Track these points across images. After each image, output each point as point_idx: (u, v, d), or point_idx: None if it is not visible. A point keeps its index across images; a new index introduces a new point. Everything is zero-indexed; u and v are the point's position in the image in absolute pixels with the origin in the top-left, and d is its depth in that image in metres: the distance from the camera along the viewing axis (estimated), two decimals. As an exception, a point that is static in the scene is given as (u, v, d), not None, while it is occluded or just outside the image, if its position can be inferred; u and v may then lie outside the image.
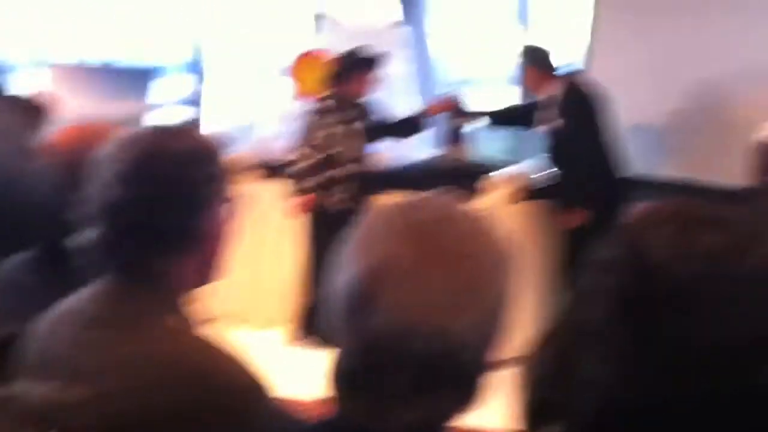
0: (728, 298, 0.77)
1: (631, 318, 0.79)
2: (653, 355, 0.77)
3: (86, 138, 1.88)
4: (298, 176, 5.09)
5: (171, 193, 1.47)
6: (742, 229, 0.82)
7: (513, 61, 6.15)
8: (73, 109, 5.53)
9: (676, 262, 0.78)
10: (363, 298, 1.03)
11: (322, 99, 5.11)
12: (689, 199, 0.87)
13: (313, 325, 5.16)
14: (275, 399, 1.43)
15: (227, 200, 1.57)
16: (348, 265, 1.07)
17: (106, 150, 1.49)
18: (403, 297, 1.02)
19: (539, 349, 0.87)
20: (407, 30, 6.26)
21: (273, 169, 5.66)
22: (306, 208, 5.07)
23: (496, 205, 4.99)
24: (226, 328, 5.39)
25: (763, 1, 4.89)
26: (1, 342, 1.69)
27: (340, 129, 5.02)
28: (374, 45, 5.15)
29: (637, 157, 4.96)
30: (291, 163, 5.17)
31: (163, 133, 1.52)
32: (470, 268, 1.05)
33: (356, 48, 5.10)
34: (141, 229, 1.45)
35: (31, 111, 2.53)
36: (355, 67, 5.03)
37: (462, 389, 1.06)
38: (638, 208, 0.89)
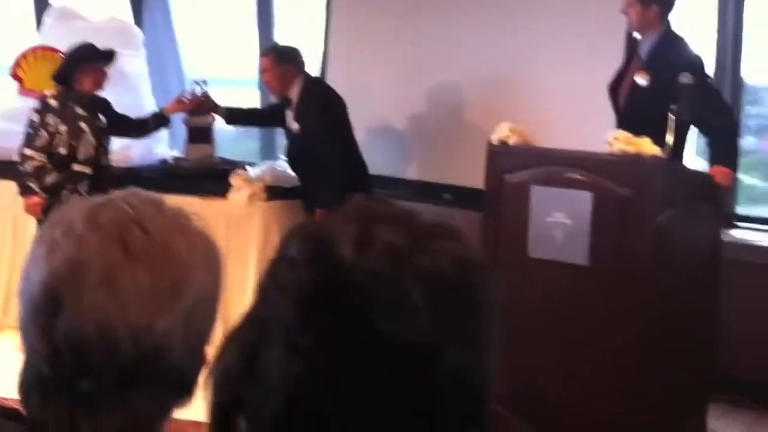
0: (404, 294, 0.77)
1: (316, 315, 0.78)
2: (336, 352, 0.76)
3: None
4: (25, 178, 4.81)
5: None
6: (421, 226, 0.82)
7: (254, 62, 6.17)
8: None
9: (357, 256, 0.78)
10: (49, 301, 0.98)
11: (45, 97, 4.86)
12: (375, 196, 0.87)
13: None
14: None
15: None
16: (32, 269, 1.00)
17: None
18: (94, 297, 0.97)
19: (224, 345, 0.84)
20: (138, 30, 6.09)
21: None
22: (36, 209, 4.79)
23: (241, 205, 4.95)
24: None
25: (489, 8, 5.14)
26: None
27: (63, 128, 4.79)
28: (105, 42, 4.96)
29: (376, 159, 5.07)
30: (19, 163, 4.88)
31: None
32: (170, 265, 1.01)
33: (82, 44, 4.89)
34: None
35: None
36: (81, 63, 4.81)
37: (172, 388, 1.02)
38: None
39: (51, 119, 4.79)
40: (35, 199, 4.77)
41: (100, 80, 4.86)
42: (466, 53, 5.16)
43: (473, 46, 5.14)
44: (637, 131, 3.61)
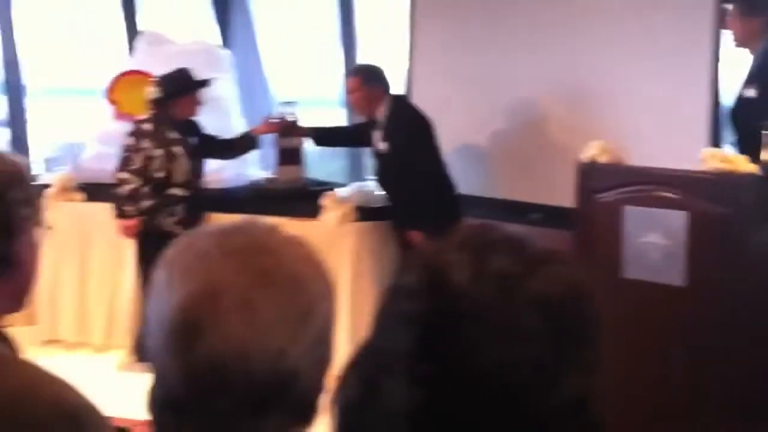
0: (516, 320, 0.78)
1: (434, 344, 0.79)
2: (455, 381, 0.77)
3: None
4: (120, 201, 4.94)
5: None
6: (532, 252, 0.83)
7: (338, 83, 6.23)
8: None
9: (472, 285, 0.79)
10: (186, 324, 1.00)
11: (140, 122, 4.98)
12: (486, 222, 0.88)
13: (145, 350, 5.00)
14: (106, 420, 1.36)
15: (39, 224, 1.51)
16: (165, 292, 1.02)
17: None
18: (231, 322, 0.99)
19: (343, 375, 0.86)
20: (227, 52, 6.21)
21: (95, 191, 5.48)
22: (131, 232, 4.92)
23: (332, 226, 4.99)
24: (57, 354, 5.19)
25: (574, 24, 5.10)
26: None
27: (158, 152, 4.91)
28: (194, 66, 5.08)
29: (461, 179, 5.07)
30: (114, 186, 5.02)
31: None
32: (300, 291, 1.04)
33: (179, 69, 5.01)
34: None
35: None
36: (178, 89, 4.94)
37: (298, 413, 1.04)
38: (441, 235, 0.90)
39: (146, 143, 4.91)
40: (130, 222, 4.90)
41: (195, 107, 5.00)
42: (551, 69, 5.12)
43: (558, 62, 5.10)
44: (749, 146, 3.55)
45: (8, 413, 1.29)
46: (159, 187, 4.92)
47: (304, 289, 1.03)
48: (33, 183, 1.52)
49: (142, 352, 5.07)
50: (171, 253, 1.07)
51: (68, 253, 5.41)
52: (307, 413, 1.06)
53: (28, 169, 1.52)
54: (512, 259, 0.81)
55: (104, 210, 5.31)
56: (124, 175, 4.93)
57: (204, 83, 5.03)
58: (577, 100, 5.02)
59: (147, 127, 4.94)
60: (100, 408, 1.37)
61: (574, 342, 0.81)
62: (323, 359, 1.06)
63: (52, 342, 5.42)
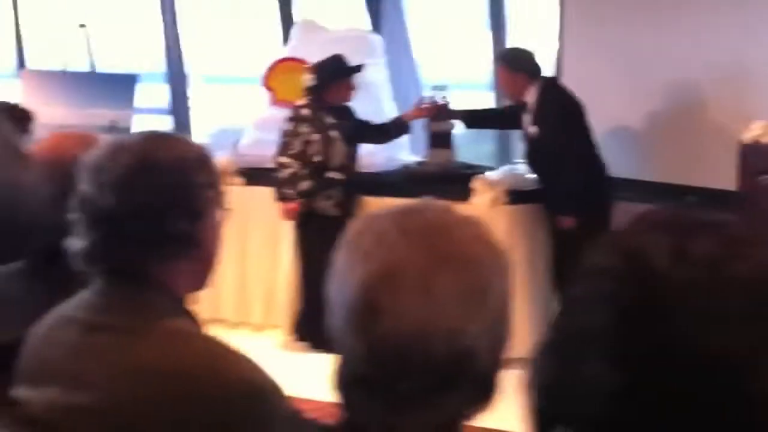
0: (724, 304, 0.77)
1: (636, 327, 0.79)
2: (656, 362, 0.78)
3: (73, 145, 1.88)
4: (281, 185, 5.09)
5: (168, 199, 1.48)
6: (736, 233, 0.82)
7: (488, 66, 6.21)
8: (52, 115, 5.52)
9: (674, 268, 0.79)
10: (367, 305, 1.03)
11: (298, 107, 5.12)
12: (679, 204, 0.88)
13: (304, 330, 5.17)
14: (287, 400, 1.43)
15: (221, 206, 1.58)
16: (346, 272, 1.07)
17: (96, 157, 1.49)
18: (411, 302, 1.02)
19: (538, 357, 0.87)
20: (378, 38, 6.28)
21: (253, 176, 5.66)
22: (292, 214, 5.08)
23: (483, 209, 5.00)
24: (218, 332, 5.41)
25: (732, 3, 4.92)
26: (3, 348, 1.69)
27: (316, 137, 5.03)
28: (347, 53, 5.18)
29: (613, 161, 4.98)
30: (273, 170, 5.18)
31: (157, 139, 1.53)
32: (476, 271, 1.06)
33: (334, 56, 5.12)
34: (136, 236, 1.46)
35: (18, 117, 2.53)
36: (333, 75, 5.05)
37: (477, 391, 1.07)
38: (631, 214, 0.89)
39: (304, 128, 5.05)
40: (291, 205, 5.05)
41: (349, 93, 5.12)
42: (706, 47, 4.96)
43: (714, 40, 4.94)
44: None
45: (194, 386, 1.38)
46: (317, 170, 5.05)
47: (481, 269, 1.06)
48: (215, 166, 1.59)
49: (300, 332, 5.23)
50: (350, 234, 1.10)
51: (228, 235, 5.61)
52: (487, 392, 1.08)
53: (211, 153, 1.60)
54: (714, 241, 0.80)
55: (262, 194, 5.49)
56: (284, 159, 5.08)
57: (357, 69, 5.12)
58: (738, 80, 4.85)
59: (305, 112, 5.08)
60: (282, 387, 1.44)
61: None
62: (501, 338, 1.08)
63: (213, 321, 5.66)
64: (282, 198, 5.11)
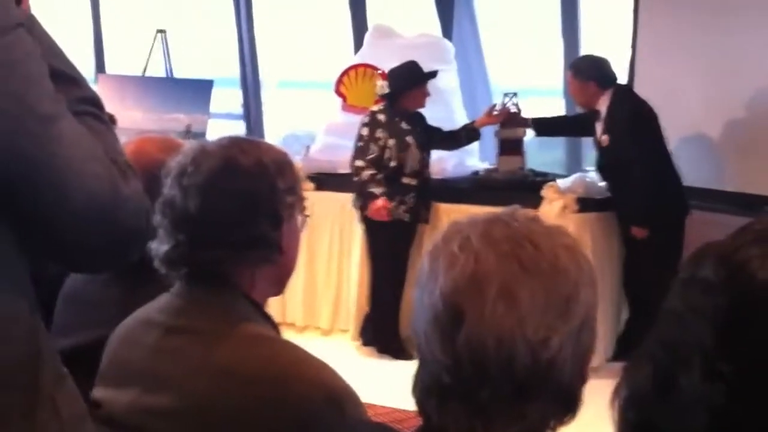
0: None
1: (736, 340, 0.78)
2: (758, 378, 0.77)
3: (156, 149, 1.92)
4: (363, 186, 5.08)
5: (250, 204, 1.50)
6: None
7: (559, 73, 6.16)
8: (130, 120, 5.63)
9: None
10: (451, 311, 1.03)
11: (374, 113, 5.13)
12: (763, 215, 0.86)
13: (371, 334, 5.19)
14: (363, 407, 1.44)
15: (301, 211, 1.60)
16: (431, 279, 1.07)
17: (180, 161, 1.52)
18: (495, 310, 1.02)
19: (633, 366, 0.86)
20: (449, 44, 6.28)
21: (323, 181, 5.71)
22: (384, 212, 5.03)
23: (552, 217, 4.96)
24: (286, 336, 5.46)
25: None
26: (81, 351, 1.72)
27: (392, 143, 5.05)
28: (420, 59, 5.19)
29: (688, 170, 4.90)
30: (343, 175, 5.21)
31: (240, 144, 1.55)
32: (562, 282, 1.05)
33: (408, 62, 5.14)
34: (219, 240, 1.48)
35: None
36: (408, 82, 5.06)
37: (560, 402, 1.06)
38: (705, 224, 0.88)
39: (380, 133, 5.07)
40: (380, 203, 5.03)
41: (423, 99, 5.14)
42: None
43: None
44: None
45: (277, 389, 1.40)
46: (392, 176, 5.05)
47: (566, 279, 1.05)
48: (296, 172, 1.60)
49: (367, 336, 5.25)
50: (437, 241, 1.10)
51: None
52: (570, 402, 1.07)
53: (291, 158, 1.62)
54: None
55: (332, 199, 5.53)
56: (361, 163, 5.08)
57: (432, 75, 5.15)
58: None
59: (381, 117, 5.09)
60: (358, 394, 1.45)
61: None
62: (585, 348, 1.07)
63: (281, 324, 5.70)
64: (368, 197, 5.05)
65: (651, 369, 0.84)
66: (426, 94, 5.14)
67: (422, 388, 1.08)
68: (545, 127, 5.39)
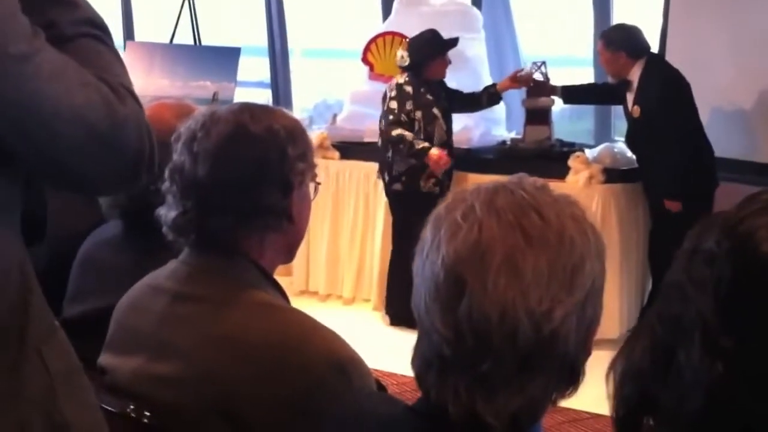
0: None
1: (738, 313, 0.75)
2: (760, 353, 0.74)
3: (171, 115, 1.90)
4: (406, 146, 4.99)
5: (259, 170, 1.49)
6: None
7: (589, 42, 6.07)
8: (157, 87, 5.63)
9: None
10: (453, 281, 1.01)
11: (401, 84, 5.06)
12: None
13: (397, 305, 5.18)
14: (371, 374, 1.43)
15: (313, 179, 1.58)
16: (433, 249, 1.04)
17: (190, 127, 1.50)
18: (497, 280, 0.99)
19: (631, 341, 0.83)
20: (478, 12, 6.20)
21: (348, 149, 5.69)
22: (444, 162, 4.96)
23: (578, 187, 4.92)
24: (309, 304, 5.49)
25: None
26: (92, 317, 1.73)
27: (419, 114, 5.00)
28: (447, 26, 5.13)
29: (719, 141, 4.82)
30: (368, 144, 5.18)
31: (250, 110, 1.53)
32: (567, 252, 1.02)
33: (428, 32, 5.08)
34: (228, 206, 1.47)
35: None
36: (428, 53, 5.01)
37: (563, 375, 1.04)
38: (737, 196, 0.84)
39: (409, 105, 5.01)
40: (436, 151, 4.91)
41: (444, 68, 5.07)
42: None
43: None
44: None
45: (283, 357, 1.39)
46: (420, 148, 4.98)
47: (571, 249, 1.02)
48: (308, 139, 1.58)
49: (389, 307, 5.24)
50: (439, 211, 1.07)
51: (323, 208, 5.68)
52: (573, 376, 1.04)
53: (304, 125, 1.60)
54: None
55: (357, 168, 5.51)
56: (400, 131, 4.96)
57: (452, 43, 5.07)
58: None
59: (408, 89, 5.02)
60: (366, 361, 1.44)
61: None
62: (590, 320, 1.04)
63: (304, 293, 5.72)
64: (423, 153, 4.93)
65: (649, 343, 0.82)
66: (447, 62, 5.06)
67: (421, 361, 1.06)
68: (574, 94, 5.32)
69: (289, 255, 1.60)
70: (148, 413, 1.43)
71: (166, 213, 1.51)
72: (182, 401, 1.42)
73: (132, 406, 1.44)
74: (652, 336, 0.81)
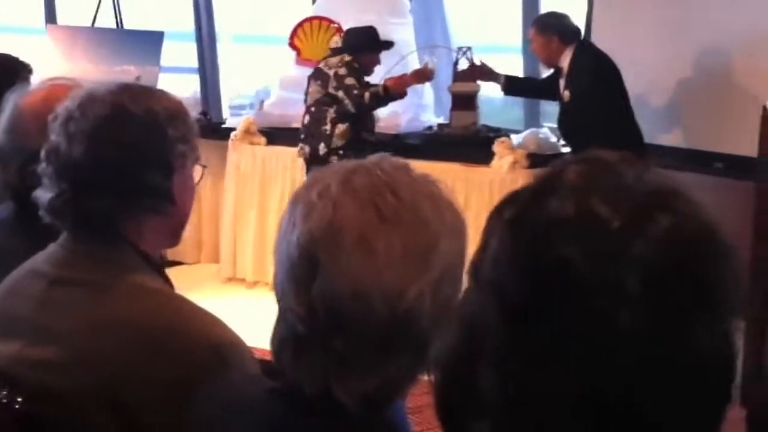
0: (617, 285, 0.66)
1: (523, 328, 0.66)
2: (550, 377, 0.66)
3: (64, 95, 1.86)
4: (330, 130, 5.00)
5: (137, 152, 1.46)
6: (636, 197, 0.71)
7: (518, 30, 6.09)
8: (79, 71, 5.53)
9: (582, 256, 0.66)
10: (307, 260, 1.01)
11: (347, 61, 4.99)
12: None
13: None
14: (250, 354, 1.41)
15: (196, 161, 1.56)
16: (289, 228, 1.04)
17: (67, 107, 1.47)
18: (350, 260, 1.00)
19: (445, 335, 0.74)
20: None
21: (275, 135, 5.66)
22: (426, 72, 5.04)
23: (503, 172, 4.95)
24: (237, 291, 5.45)
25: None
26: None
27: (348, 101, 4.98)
28: (374, 10, 5.11)
29: (644, 126, 4.88)
30: (296, 129, 5.15)
31: (130, 90, 1.50)
32: (421, 232, 1.02)
33: (368, 27, 5.07)
34: (105, 189, 1.44)
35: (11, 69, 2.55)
36: (366, 42, 5.01)
37: (418, 355, 1.03)
38: None
39: (340, 92, 4.97)
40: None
41: (374, 64, 5.07)
42: (738, 13, 4.83)
43: (747, 6, 4.81)
44: None
45: (163, 341, 1.37)
46: (351, 131, 4.97)
47: (426, 228, 1.02)
48: (190, 121, 1.56)
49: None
50: (297, 190, 1.08)
51: (249, 194, 5.64)
52: (428, 355, 1.05)
53: (185, 107, 1.57)
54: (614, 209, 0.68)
55: (284, 153, 5.48)
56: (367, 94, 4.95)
57: (387, 44, 5.08)
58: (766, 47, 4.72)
59: (355, 65, 4.99)
60: (245, 342, 1.43)
61: (679, 306, 0.67)
62: (447, 299, 1.04)
63: (232, 280, 5.69)
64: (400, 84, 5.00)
65: (453, 342, 0.73)
66: (377, 62, 5.06)
67: (278, 340, 1.06)
68: (515, 86, 5.30)
69: (173, 238, 1.58)
70: (20, 399, 1.40)
71: (43, 194, 1.47)
72: (62, 386, 1.39)
73: (4, 392, 1.40)
74: (455, 339, 0.72)
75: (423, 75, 5.27)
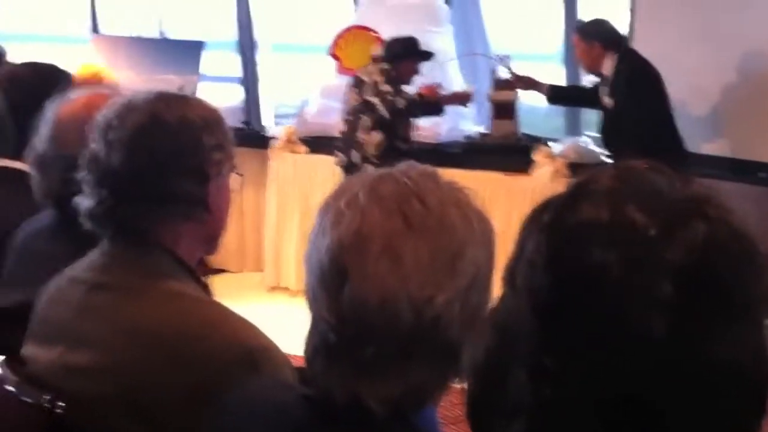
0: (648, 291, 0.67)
1: (556, 327, 0.68)
2: (585, 377, 0.67)
3: (103, 103, 1.89)
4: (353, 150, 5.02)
5: (174, 160, 1.48)
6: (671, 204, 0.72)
7: (558, 38, 6.06)
8: (122, 79, 5.60)
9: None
10: (336, 268, 1.02)
11: (385, 69, 5.00)
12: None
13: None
14: (285, 360, 1.42)
15: (233, 170, 1.58)
16: (319, 236, 1.05)
17: (106, 116, 1.50)
18: (378, 267, 1.00)
19: (479, 341, 0.76)
20: (445, 6, 6.18)
21: (316, 144, 5.68)
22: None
23: (543, 181, 4.92)
24: (280, 299, 5.47)
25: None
26: (19, 308, 1.72)
27: (384, 109, 4.99)
28: (412, 20, 5.11)
29: (687, 135, 4.82)
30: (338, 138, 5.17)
31: (167, 99, 1.53)
32: (447, 239, 1.03)
33: (409, 37, 5.07)
34: (141, 196, 1.47)
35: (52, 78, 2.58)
36: (403, 51, 5.02)
37: (447, 361, 1.04)
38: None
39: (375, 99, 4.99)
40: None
41: (412, 73, 5.09)
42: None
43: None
44: None
45: (187, 345, 1.39)
46: (385, 140, 4.98)
47: (453, 235, 1.03)
48: (226, 129, 1.58)
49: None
50: (327, 199, 1.09)
51: (291, 203, 5.66)
52: (457, 362, 1.03)
53: (222, 115, 1.59)
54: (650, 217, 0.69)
55: (325, 162, 5.49)
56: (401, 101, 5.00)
57: (426, 54, 5.08)
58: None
59: (393, 74, 5.01)
60: (279, 348, 1.43)
61: (711, 312, 0.67)
62: (476, 307, 1.05)
63: (275, 289, 5.71)
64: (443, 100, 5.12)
65: (489, 357, 0.75)
66: (416, 70, 5.06)
67: (311, 347, 1.07)
68: (558, 94, 5.27)
69: (209, 245, 1.59)
70: (62, 404, 1.42)
71: (83, 202, 1.50)
72: (94, 392, 1.41)
73: (47, 397, 1.43)
74: (487, 345, 0.75)
75: (460, 98, 5.29)
